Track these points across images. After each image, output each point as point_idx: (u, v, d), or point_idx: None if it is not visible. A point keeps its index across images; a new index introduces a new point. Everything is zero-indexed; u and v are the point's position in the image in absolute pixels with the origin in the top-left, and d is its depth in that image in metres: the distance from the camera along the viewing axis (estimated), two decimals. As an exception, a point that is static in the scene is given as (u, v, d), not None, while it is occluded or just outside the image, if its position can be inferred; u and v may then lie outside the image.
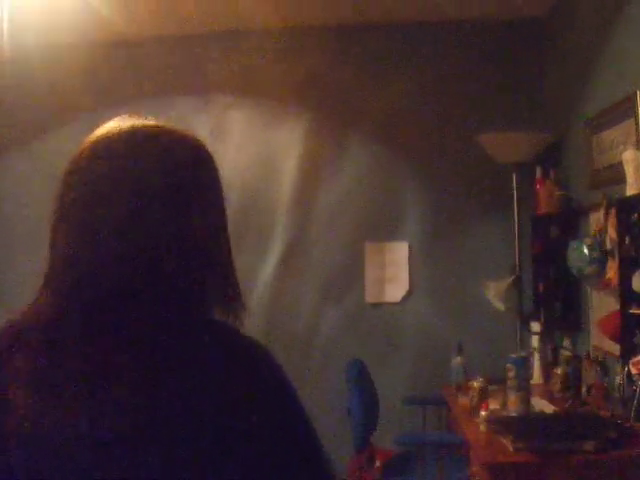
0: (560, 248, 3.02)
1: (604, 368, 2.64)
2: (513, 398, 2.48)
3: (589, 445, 1.99)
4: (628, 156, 2.42)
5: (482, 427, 2.31)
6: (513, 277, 3.34)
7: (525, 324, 3.35)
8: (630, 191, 2.40)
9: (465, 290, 3.48)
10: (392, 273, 3.59)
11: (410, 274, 3.57)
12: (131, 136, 0.83)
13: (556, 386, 2.82)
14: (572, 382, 2.78)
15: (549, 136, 3.25)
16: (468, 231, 3.56)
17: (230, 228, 0.83)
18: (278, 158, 3.64)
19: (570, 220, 3.13)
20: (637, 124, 2.47)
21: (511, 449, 2.05)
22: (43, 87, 3.50)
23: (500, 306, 3.29)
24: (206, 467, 0.66)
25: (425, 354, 3.51)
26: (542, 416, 2.49)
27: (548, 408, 2.59)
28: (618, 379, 2.43)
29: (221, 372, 0.70)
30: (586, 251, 2.70)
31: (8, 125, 3.61)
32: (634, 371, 2.28)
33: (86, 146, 0.86)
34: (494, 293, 3.29)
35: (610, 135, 2.74)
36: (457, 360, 3.07)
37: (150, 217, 0.75)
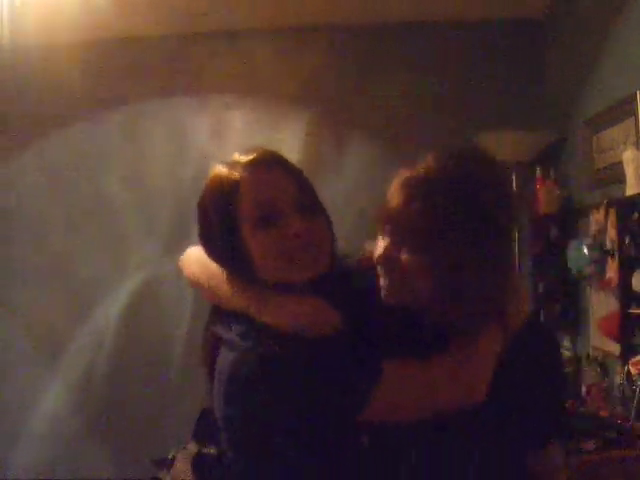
0: (560, 248, 3.02)
1: (604, 368, 2.64)
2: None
3: (589, 445, 1.99)
4: (628, 156, 2.42)
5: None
6: (513, 277, 3.34)
7: (525, 324, 3.34)
8: (630, 191, 2.40)
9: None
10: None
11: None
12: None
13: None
14: (572, 382, 2.78)
15: (549, 136, 3.25)
16: (468, 231, 3.55)
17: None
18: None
19: (570, 220, 3.13)
20: (637, 124, 2.47)
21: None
22: (43, 86, 3.50)
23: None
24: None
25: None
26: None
27: None
28: (618, 379, 2.44)
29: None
30: (586, 251, 2.70)
31: (7, 125, 3.61)
32: (634, 371, 2.28)
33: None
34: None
35: (610, 135, 2.74)
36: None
37: None
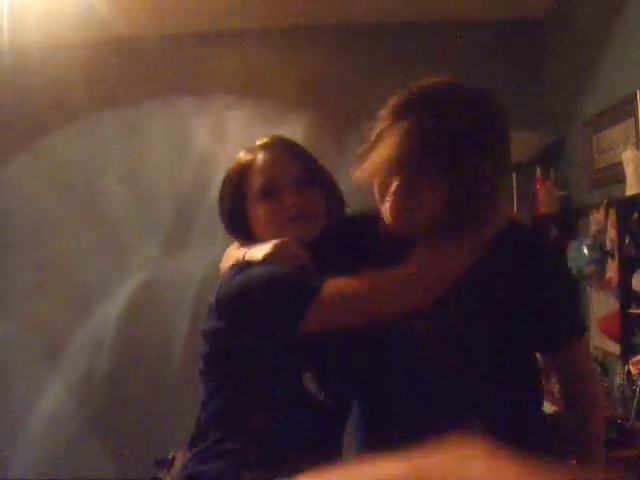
0: (560, 248, 3.01)
1: (604, 368, 2.64)
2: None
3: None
4: (628, 156, 2.43)
5: (482, 427, 2.30)
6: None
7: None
8: (630, 191, 2.40)
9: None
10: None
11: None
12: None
13: (556, 386, 2.82)
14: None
15: (549, 136, 3.25)
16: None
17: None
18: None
19: (570, 220, 3.13)
20: (637, 124, 2.47)
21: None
22: (42, 87, 3.50)
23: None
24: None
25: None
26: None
27: (548, 408, 2.59)
28: (618, 379, 2.44)
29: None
30: (586, 251, 2.70)
31: (7, 125, 3.61)
32: (634, 371, 2.28)
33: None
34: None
35: (610, 135, 2.74)
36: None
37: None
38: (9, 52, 3.13)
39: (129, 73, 3.63)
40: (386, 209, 1.10)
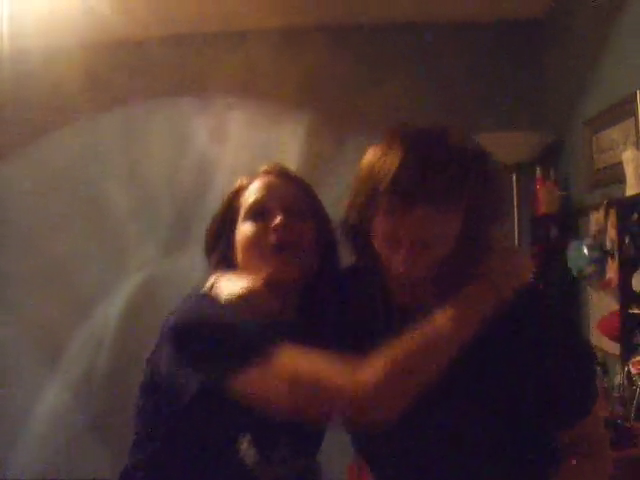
0: (560, 248, 3.02)
1: (604, 368, 2.64)
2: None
3: (589, 445, 1.98)
4: (628, 156, 2.42)
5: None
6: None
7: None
8: (630, 191, 2.40)
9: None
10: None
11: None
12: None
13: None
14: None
15: (549, 136, 3.25)
16: (468, 231, 3.55)
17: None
18: (278, 158, 3.63)
19: (570, 220, 3.13)
20: (637, 124, 2.47)
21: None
22: (42, 88, 3.49)
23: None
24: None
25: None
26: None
27: None
28: (618, 379, 2.44)
29: None
30: (586, 251, 2.70)
31: (7, 126, 3.60)
32: (634, 371, 2.28)
33: None
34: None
35: (610, 135, 2.74)
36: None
37: None
38: (9, 53, 3.13)
39: (129, 74, 3.62)
40: (400, 256, 1.01)
